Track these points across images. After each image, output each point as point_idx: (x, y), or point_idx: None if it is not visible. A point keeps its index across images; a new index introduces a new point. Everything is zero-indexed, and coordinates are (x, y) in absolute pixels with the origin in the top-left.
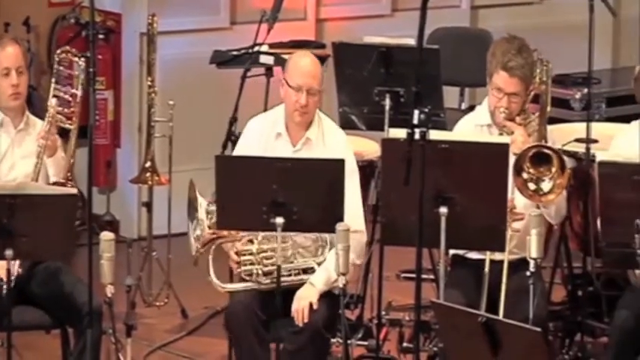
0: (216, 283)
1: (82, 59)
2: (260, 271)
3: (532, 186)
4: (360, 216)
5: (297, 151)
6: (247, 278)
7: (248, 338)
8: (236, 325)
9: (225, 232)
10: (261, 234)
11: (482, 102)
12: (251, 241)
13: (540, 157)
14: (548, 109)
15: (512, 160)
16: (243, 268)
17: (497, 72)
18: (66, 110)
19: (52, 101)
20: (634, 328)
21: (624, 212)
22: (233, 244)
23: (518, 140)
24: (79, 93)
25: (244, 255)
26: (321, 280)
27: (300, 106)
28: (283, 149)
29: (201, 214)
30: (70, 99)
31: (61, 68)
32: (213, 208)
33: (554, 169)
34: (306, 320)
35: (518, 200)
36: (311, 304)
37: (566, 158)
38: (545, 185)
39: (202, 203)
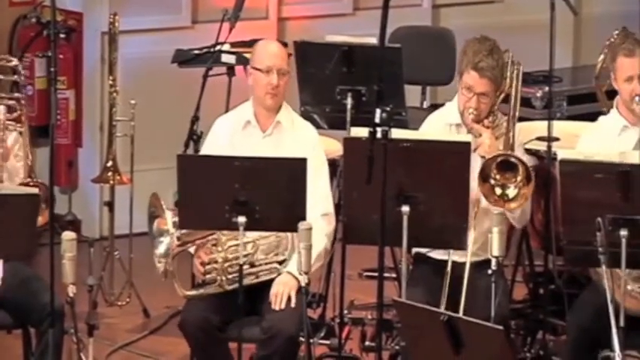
0: (181, 290)
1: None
2: (224, 279)
3: (498, 191)
4: (331, 201)
5: (267, 135)
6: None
7: (203, 343)
8: (190, 333)
9: (192, 239)
10: (228, 243)
11: (453, 99)
12: (216, 246)
13: (507, 164)
14: (517, 113)
15: (479, 162)
16: (207, 276)
17: (468, 71)
18: (15, 114)
19: (0, 108)
20: (591, 325)
21: (585, 210)
22: (199, 255)
23: (485, 144)
24: (23, 95)
25: (209, 264)
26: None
27: (272, 87)
28: (253, 136)
29: (170, 226)
30: (16, 103)
31: (1, 77)
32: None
33: (519, 178)
34: (283, 307)
35: (482, 199)
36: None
37: (528, 159)
38: (511, 191)
39: (169, 215)
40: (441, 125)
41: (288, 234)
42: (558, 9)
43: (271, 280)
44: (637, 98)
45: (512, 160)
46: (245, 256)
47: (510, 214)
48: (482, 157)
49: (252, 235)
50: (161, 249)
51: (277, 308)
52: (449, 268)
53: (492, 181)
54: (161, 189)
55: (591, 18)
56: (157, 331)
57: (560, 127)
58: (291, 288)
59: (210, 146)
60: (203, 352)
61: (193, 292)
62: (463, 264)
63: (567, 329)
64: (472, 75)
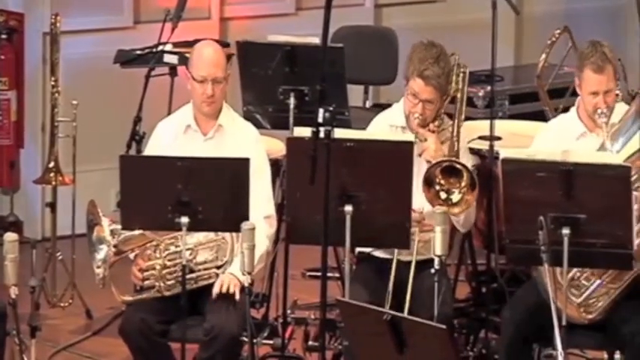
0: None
1: None
2: (162, 285)
3: (443, 195)
4: (272, 203)
5: (208, 139)
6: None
7: (143, 347)
8: (130, 338)
9: (130, 247)
10: (165, 251)
11: (400, 101)
12: (155, 252)
13: (452, 169)
14: (462, 117)
15: (424, 166)
16: (146, 282)
17: (414, 78)
18: None
19: None
20: (523, 320)
21: (528, 209)
22: (137, 262)
23: (431, 148)
24: None
25: (147, 271)
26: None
27: (207, 97)
28: (194, 140)
29: (107, 234)
30: None
31: None
32: (118, 226)
33: (463, 184)
34: (228, 304)
35: (424, 200)
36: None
37: (471, 158)
38: (455, 196)
39: (105, 223)
40: (386, 127)
41: (228, 239)
42: (500, 8)
43: (212, 284)
44: (599, 111)
45: (457, 166)
46: (187, 260)
47: (455, 218)
48: (428, 161)
49: (191, 241)
50: (99, 256)
51: (217, 291)
52: (393, 268)
53: (437, 187)
54: (103, 190)
55: (533, 17)
56: (99, 332)
57: (502, 126)
58: (234, 285)
59: (153, 150)
60: (144, 355)
61: (131, 298)
62: (406, 263)
63: (502, 325)
64: (418, 82)
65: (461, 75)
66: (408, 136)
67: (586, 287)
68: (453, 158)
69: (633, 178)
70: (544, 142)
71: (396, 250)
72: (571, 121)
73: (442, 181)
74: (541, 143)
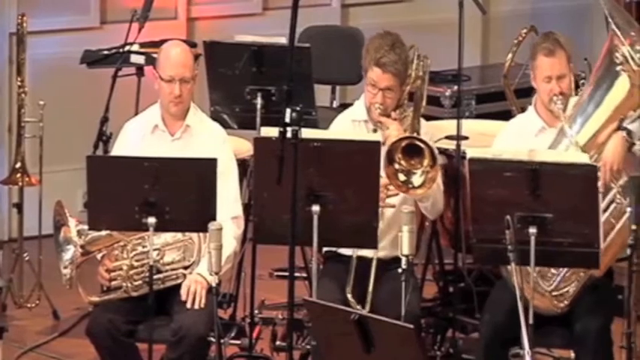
0: (85, 296)
1: None
2: (129, 285)
3: (402, 177)
4: (239, 203)
5: (175, 139)
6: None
7: (110, 348)
8: (97, 339)
9: (97, 247)
10: (133, 252)
11: (360, 97)
12: (122, 252)
13: (412, 149)
14: (423, 103)
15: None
16: (113, 283)
17: (371, 68)
18: None
19: None
20: (503, 323)
21: (495, 208)
22: (103, 263)
23: (393, 135)
24: None
25: (114, 271)
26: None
27: (175, 97)
28: (161, 140)
29: (74, 234)
30: None
31: None
32: (85, 227)
33: (425, 162)
34: (196, 307)
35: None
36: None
37: (440, 159)
38: (416, 179)
39: (72, 223)
40: (347, 123)
41: (195, 239)
42: (467, 8)
43: (179, 285)
44: (555, 98)
45: (418, 143)
46: (155, 261)
47: (422, 204)
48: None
49: (158, 241)
50: (67, 257)
51: (189, 304)
52: (353, 265)
53: (397, 166)
54: (70, 190)
55: (499, 17)
56: (66, 333)
57: (469, 125)
58: (202, 287)
59: (120, 150)
60: (111, 356)
61: (98, 299)
62: (372, 259)
63: (480, 327)
64: (375, 71)
65: (421, 65)
66: (375, 136)
67: (555, 275)
68: (414, 135)
69: (594, 158)
70: (504, 142)
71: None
72: (529, 118)
73: (403, 162)
74: (501, 143)
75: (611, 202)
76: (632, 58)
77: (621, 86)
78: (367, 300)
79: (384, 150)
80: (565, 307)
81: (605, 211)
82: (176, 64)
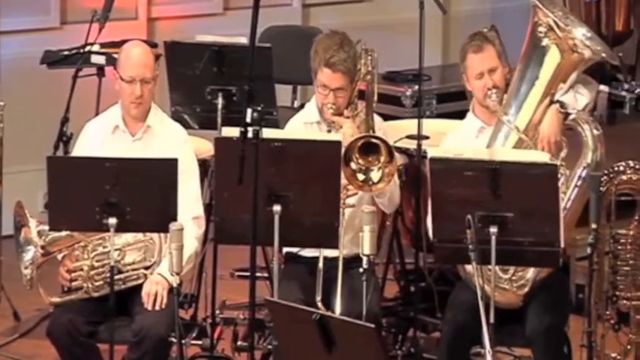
0: (46, 297)
1: None
2: (90, 286)
3: (361, 176)
4: (200, 203)
5: (136, 140)
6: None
7: (71, 349)
8: (57, 340)
9: (57, 248)
10: (93, 252)
11: (311, 99)
12: (83, 253)
13: (368, 147)
14: (375, 98)
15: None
16: (74, 283)
17: (321, 69)
18: None
19: None
20: (465, 322)
21: (455, 208)
22: (64, 263)
23: (347, 134)
24: None
25: (75, 272)
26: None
27: (136, 97)
28: (122, 141)
29: (34, 235)
30: None
31: None
32: (45, 227)
33: (382, 158)
34: (157, 308)
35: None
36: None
37: (398, 157)
38: (375, 175)
39: (33, 224)
40: (300, 126)
41: (156, 239)
42: (427, 7)
43: (140, 285)
44: (489, 92)
45: (373, 140)
46: (115, 261)
47: (379, 199)
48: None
49: (119, 242)
50: (27, 258)
51: (150, 307)
52: (320, 265)
53: (354, 165)
54: (31, 191)
55: (460, 16)
56: (27, 334)
57: (429, 125)
58: (163, 288)
59: (81, 150)
60: (72, 357)
61: (58, 299)
62: (334, 260)
63: (442, 327)
64: (325, 72)
65: (369, 59)
66: (336, 136)
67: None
68: (369, 134)
69: (534, 138)
70: (448, 145)
71: (322, 251)
72: (468, 120)
73: (360, 161)
74: (446, 146)
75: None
76: (557, 25)
77: (552, 59)
78: (337, 302)
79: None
80: (526, 296)
81: None
82: (137, 65)
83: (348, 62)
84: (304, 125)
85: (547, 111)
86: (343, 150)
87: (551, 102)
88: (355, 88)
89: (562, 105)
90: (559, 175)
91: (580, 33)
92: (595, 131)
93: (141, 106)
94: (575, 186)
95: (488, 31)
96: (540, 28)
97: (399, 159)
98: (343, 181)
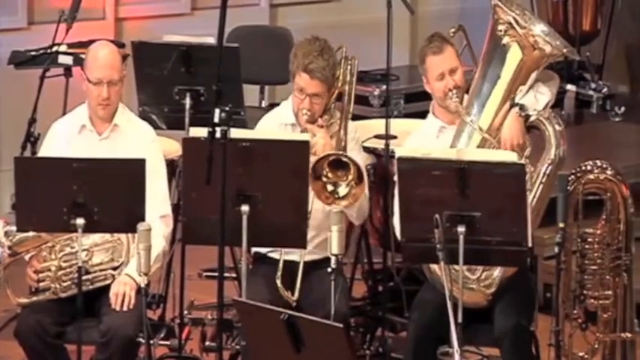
0: (13, 298)
1: None
2: (58, 286)
3: (330, 187)
4: (168, 203)
5: (103, 139)
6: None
7: (38, 350)
8: (25, 340)
9: (24, 248)
10: (61, 253)
11: (288, 99)
12: (50, 253)
13: (339, 163)
14: (351, 108)
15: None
16: (41, 284)
17: (299, 74)
18: None
19: None
20: (431, 321)
21: (423, 207)
22: (32, 264)
23: (320, 143)
24: None
25: (43, 272)
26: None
27: (103, 99)
28: (89, 140)
29: (1, 236)
30: None
31: None
32: (12, 228)
33: (350, 177)
34: (125, 308)
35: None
36: (130, 296)
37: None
38: (342, 190)
39: (0, 225)
40: (275, 125)
41: (124, 240)
42: (395, 7)
43: (108, 286)
44: (450, 93)
45: (344, 159)
46: (83, 261)
47: (348, 210)
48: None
49: (86, 242)
50: None
51: (117, 308)
52: (280, 265)
53: (324, 179)
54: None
55: (427, 16)
56: None
57: (397, 125)
58: (130, 288)
59: (48, 150)
60: (40, 358)
61: (26, 300)
62: (303, 263)
63: (408, 327)
64: (303, 77)
65: (349, 67)
66: (304, 136)
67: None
68: (340, 152)
69: (497, 139)
70: (413, 140)
71: (284, 250)
72: (429, 121)
73: (329, 174)
74: (411, 141)
75: None
76: (517, 22)
77: (514, 57)
78: (296, 288)
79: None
80: (493, 296)
81: None
82: (104, 67)
83: (327, 71)
84: (279, 126)
85: (508, 115)
86: (312, 165)
87: (511, 106)
88: (332, 96)
89: (522, 108)
90: (527, 175)
91: (539, 29)
92: (557, 127)
93: (108, 107)
94: (541, 183)
95: (455, 31)
96: (500, 27)
97: (367, 159)
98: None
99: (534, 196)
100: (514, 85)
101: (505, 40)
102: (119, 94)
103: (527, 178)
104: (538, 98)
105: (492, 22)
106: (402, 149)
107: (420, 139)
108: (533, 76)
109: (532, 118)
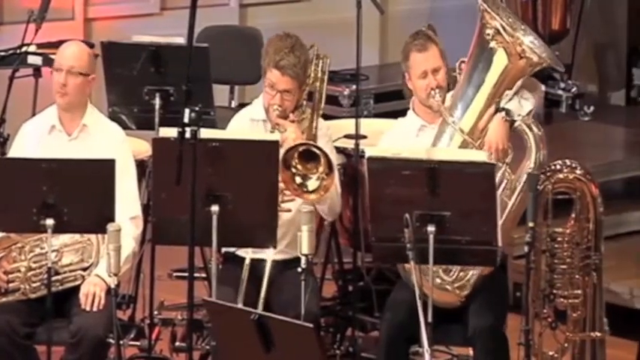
0: None
1: None
2: (27, 287)
3: (298, 180)
4: (138, 203)
5: (72, 139)
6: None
7: (7, 350)
8: None
9: None
10: (30, 253)
11: (259, 96)
12: (20, 254)
13: (309, 155)
14: (322, 105)
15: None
16: (11, 285)
17: (270, 70)
18: None
19: None
20: (403, 321)
21: (393, 207)
22: (1, 265)
23: (290, 138)
24: None
25: (12, 273)
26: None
27: (59, 86)
28: (58, 140)
29: None
30: None
31: None
32: None
33: (321, 169)
34: (95, 309)
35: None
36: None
37: (334, 158)
38: (312, 184)
39: None
40: (246, 122)
41: (94, 240)
42: (365, 7)
43: (78, 286)
44: (432, 92)
45: (314, 150)
46: (53, 262)
47: (320, 206)
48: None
49: (56, 243)
50: None
51: (87, 308)
52: (246, 264)
53: (293, 170)
54: None
55: (397, 16)
56: None
57: (367, 124)
58: (100, 289)
59: (18, 151)
60: (9, 358)
61: None
62: (273, 262)
63: (381, 327)
64: (274, 73)
65: (321, 64)
66: (274, 136)
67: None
68: (311, 142)
69: (478, 143)
70: (387, 143)
71: (250, 250)
72: (409, 119)
73: (299, 166)
74: (384, 144)
75: (502, 179)
76: (505, 29)
77: (500, 61)
78: (259, 302)
79: (281, 153)
80: (466, 298)
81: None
82: (66, 56)
83: (298, 67)
84: (250, 121)
85: (492, 118)
86: (283, 154)
87: (497, 110)
88: (304, 93)
89: (507, 112)
90: (504, 180)
91: (528, 40)
92: (537, 132)
93: (65, 96)
94: (521, 191)
95: (427, 30)
96: (488, 30)
97: (337, 158)
98: (280, 185)
99: (514, 203)
100: (498, 89)
101: (492, 44)
102: (79, 89)
103: (508, 186)
104: (522, 104)
105: (480, 25)
106: (374, 148)
107: (400, 137)
108: (519, 82)
109: (516, 124)
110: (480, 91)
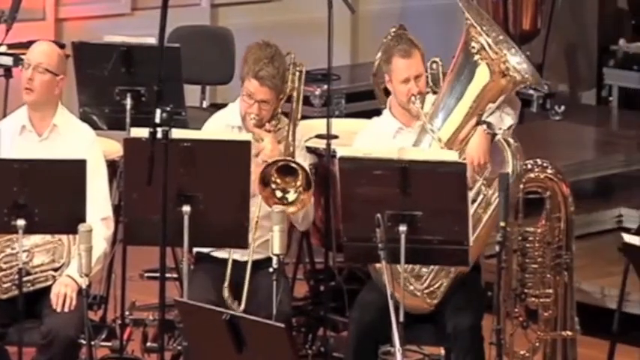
0: None
1: None
2: None
3: (279, 194)
4: (109, 204)
5: (43, 140)
6: None
7: None
8: None
9: None
10: (1, 254)
11: (236, 101)
12: None
13: (287, 169)
14: (299, 116)
15: (261, 167)
16: None
17: (249, 79)
18: None
19: None
20: (372, 322)
21: (365, 207)
22: None
23: (267, 148)
24: None
25: None
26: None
27: (26, 81)
28: (29, 141)
29: None
30: None
31: None
32: None
33: (299, 183)
34: (66, 309)
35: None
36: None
37: (308, 157)
38: (290, 196)
39: None
40: (222, 126)
41: (65, 241)
42: (336, 7)
43: (49, 287)
44: (413, 98)
45: (293, 165)
46: (24, 263)
47: (294, 217)
48: (265, 161)
49: (27, 243)
50: None
51: (59, 309)
52: (229, 269)
53: (273, 185)
54: None
55: (368, 16)
56: None
57: (339, 124)
58: (72, 289)
59: None
60: None
61: None
62: (245, 263)
63: (349, 326)
64: (253, 83)
65: (297, 74)
66: (245, 136)
67: (427, 273)
68: (289, 158)
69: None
70: (362, 144)
71: (232, 250)
72: (386, 120)
73: (278, 180)
74: (360, 145)
75: (478, 193)
76: (490, 47)
77: (482, 75)
78: (242, 298)
79: (256, 162)
80: (436, 305)
81: (472, 202)
82: (36, 52)
83: (277, 78)
84: (225, 127)
85: (473, 131)
86: (261, 171)
87: (478, 122)
88: (281, 102)
89: (489, 126)
90: (480, 195)
91: (514, 61)
92: (514, 143)
93: (32, 93)
94: (497, 206)
95: (398, 31)
96: (473, 44)
97: (309, 158)
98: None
99: (490, 216)
100: (480, 103)
101: (476, 57)
102: (47, 88)
103: (484, 200)
104: (503, 118)
105: (465, 37)
106: (347, 148)
107: (376, 138)
108: (502, 97)
109: (497, 137)
110: (460, 103)
